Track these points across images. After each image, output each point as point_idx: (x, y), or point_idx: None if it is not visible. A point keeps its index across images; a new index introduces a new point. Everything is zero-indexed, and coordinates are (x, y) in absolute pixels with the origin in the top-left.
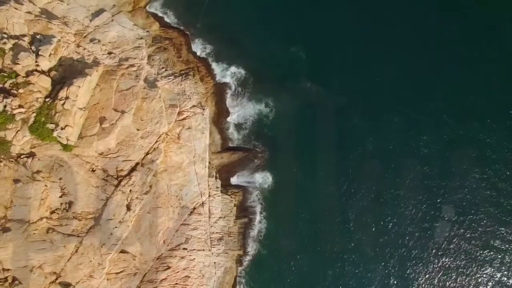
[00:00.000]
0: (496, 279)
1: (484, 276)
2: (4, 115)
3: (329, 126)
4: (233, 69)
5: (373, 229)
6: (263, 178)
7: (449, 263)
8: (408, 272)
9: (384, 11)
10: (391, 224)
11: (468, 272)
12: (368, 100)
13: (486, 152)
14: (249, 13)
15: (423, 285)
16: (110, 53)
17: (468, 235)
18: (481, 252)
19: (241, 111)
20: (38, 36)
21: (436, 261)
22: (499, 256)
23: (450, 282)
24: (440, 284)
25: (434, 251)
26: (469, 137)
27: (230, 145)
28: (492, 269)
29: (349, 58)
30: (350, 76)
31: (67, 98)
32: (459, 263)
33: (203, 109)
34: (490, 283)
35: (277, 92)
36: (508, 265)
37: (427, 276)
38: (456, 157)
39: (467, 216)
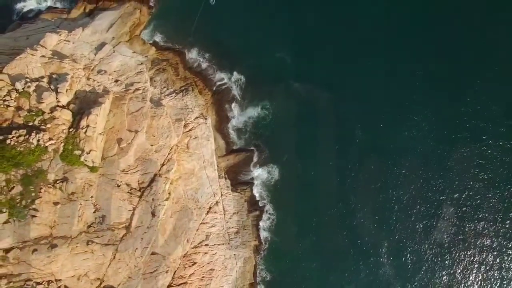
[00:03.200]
0: None
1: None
2: (39, 148)
3: (321, 120)
4: (227, 79)
5: (372, 208)
6: (268, 173)
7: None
8: (410, 249)
9: (354, 13)
10: (389, 203)
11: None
12: (353, 92)
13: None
14: (235, 26)
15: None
16: (116, 81)
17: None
18: None
19: (240, 116)
20: (54, 76)
21: (437, 255)
22: None
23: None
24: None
25: (436, 243)
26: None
27: (234, 147)
28: None
29: (329, 56)
30: (332, 72)
31: (87, 126)
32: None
33: (206, 119)
34: None
35: (269, 94)
36: None
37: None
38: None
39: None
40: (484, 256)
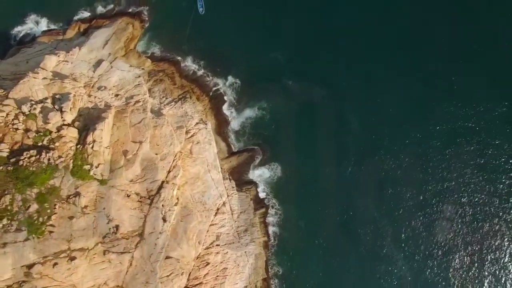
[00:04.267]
0: None
1: None
2: (50, 166)
3: (317, 116)
4: (222, 84)
5: (373, 196)
6: (270, 171)
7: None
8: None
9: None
10: (388, 190)
11: None
12: (347, 87)
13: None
14: (226, 32)
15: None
16: (116, 95)
17: None
18: None
19: (238, 118)
20: (57, 96)
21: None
22: None
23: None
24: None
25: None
26: None
27: (235, 149)
28: None
29: (321, 53)
30: (325, 68)
31: (94, 141)
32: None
33: (206, 124)
34: None
35: (265, 95)
36: None
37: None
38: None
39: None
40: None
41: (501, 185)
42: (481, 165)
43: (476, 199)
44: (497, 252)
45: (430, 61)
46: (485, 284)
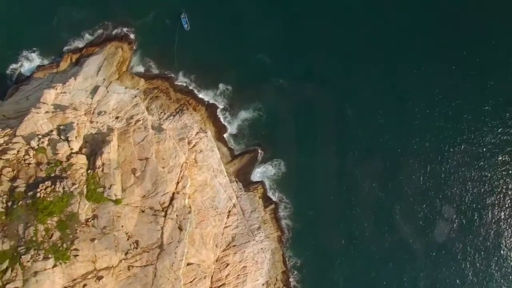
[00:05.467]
0: None
1: None
2: (66, 194)
3: (310, 109)
4: (215, 91)
5: (376, 179)
6: (274, 167)
7: None
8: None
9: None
10: (389, 173)
11: None
12: (336, 79)
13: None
14: (212, 43)
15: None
16: (117, 117)
17: None
18: None
19: (235, 121)
20: (61, 127)
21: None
22: None
23: None
24: None
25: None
26: None
27: (237, 152)
28: None
29: (305, 49)
30: (311, 63)
31: (103, 164)
32: None
33: (205, 132)
34: None
35: (257, 96)
36: None
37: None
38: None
39: None
40: None
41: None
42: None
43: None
44: None
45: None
46: None
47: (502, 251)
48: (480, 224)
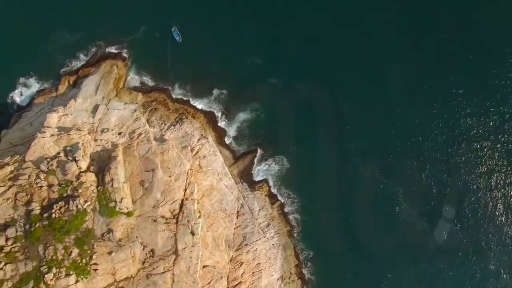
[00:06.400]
0: None
1: None
2: (80, 212)
3: (304, 103)
4: (210, 97)
5: (376, 164)
6: (277, 164)
7: None
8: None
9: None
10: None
11: None
12: (326, 73)
13: None
14: (204, 52)
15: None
16: (119, 133)
17: None
18: None
19: (234, 124)
20: (68, 148)
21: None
22: None
23: None
24: None
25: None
26: None
27: (239, 154)
28: None
29: (290, 49)
30: (301, 60)
31: (112, 179)
32: None
33: (207, 138)
34: None
35: (253, 96)
36: None
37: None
38: None
39: None
40: None
41: None
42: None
43: None
44: None
45: None
46: None
47: None
48: None
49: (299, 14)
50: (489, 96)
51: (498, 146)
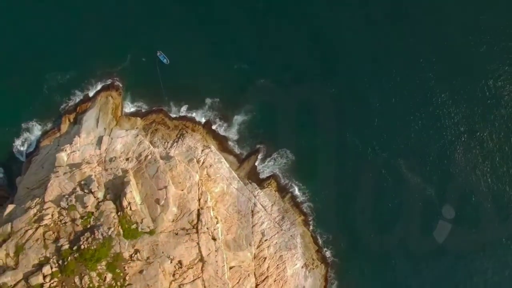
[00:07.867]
0: None
1: None
2: (106, 239)
3: (296, 97)
4: (205, 107)
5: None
6: (282, 158)
7: None
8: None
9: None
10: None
11: None
12: (314, 67)
13: None
14: (194, 69)
15: None
16: (127, 159)
17: None
18: None
19: (233, 129)
20: (82, 182)
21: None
22: None
23: None
24: None
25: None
26: None
27: (243, 156)
28: None
29: (274, 50)
30: (284, 59)
31: (129, 203)
32: None
33: (209, 147)
34: None
35: (245, 99)
36: None
37: None
38: None
39: None
40: None
41: None
42: None
43: None
44: None
45: None
46: None
47: None
48: None
49: (273, 20)
50: None
51: None
